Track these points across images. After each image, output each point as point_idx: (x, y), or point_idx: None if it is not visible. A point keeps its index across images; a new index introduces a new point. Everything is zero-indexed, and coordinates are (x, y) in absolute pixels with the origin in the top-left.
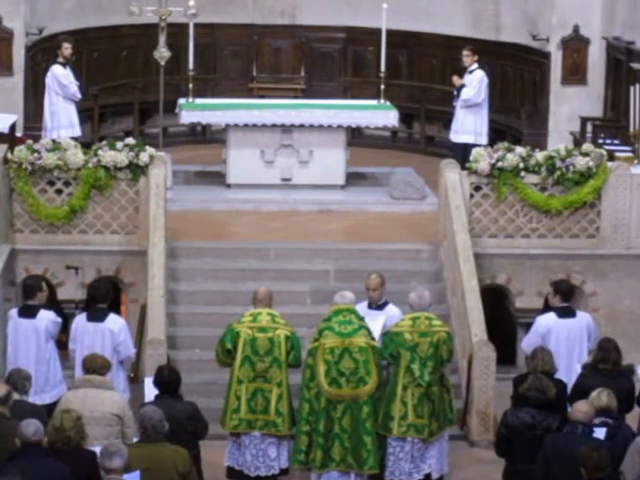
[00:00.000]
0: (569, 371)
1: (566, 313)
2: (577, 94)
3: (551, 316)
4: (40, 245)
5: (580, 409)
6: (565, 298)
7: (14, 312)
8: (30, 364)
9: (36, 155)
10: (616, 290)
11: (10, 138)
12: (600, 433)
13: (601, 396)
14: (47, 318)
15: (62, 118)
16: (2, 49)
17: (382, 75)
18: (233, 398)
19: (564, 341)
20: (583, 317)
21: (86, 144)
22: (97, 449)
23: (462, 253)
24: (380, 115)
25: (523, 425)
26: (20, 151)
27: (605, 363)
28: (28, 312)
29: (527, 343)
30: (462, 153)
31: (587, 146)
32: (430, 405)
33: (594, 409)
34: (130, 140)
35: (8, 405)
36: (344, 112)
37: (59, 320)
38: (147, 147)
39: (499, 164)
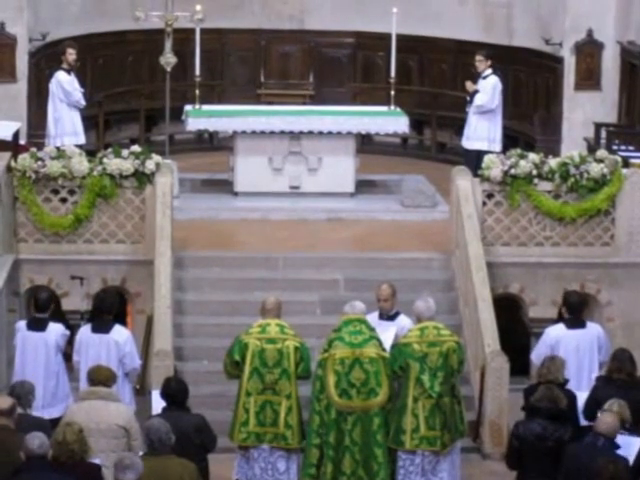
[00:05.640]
0: (579, 383)
1: (575, 324)
2: (591, 99)
3: (560, 327)
4: (44, 255)
5: (605, 420)
6: (572, 311)
7: (22, 324)
8: (38, 378)
9: (40, 163)
10: (632, 299)
11: (13, 146)
12: (630, 442)
13: (613, 408)
14: (57, 331)
15: (66, 125)
16: (5, 55)
17: (392, 81)
18: (241, 411)
19: (573, 352)
20: (593, 328)
21: (91, 152)
22: (98, 461)
23: (474, 262)
24: (390, 121)
25: (534, 436)
26: (24, 159)
27: (619, 373)
28: (38, 325)
29: (536, 354)
30: (474, 160)
31: (601, 152)
32: (442, 416)
33: (618, 422)
34: (136, 148)
35: (13, 418)
36: (353, 118)
37: (68, 333)
38: (153, 155)
39: (512, 171)
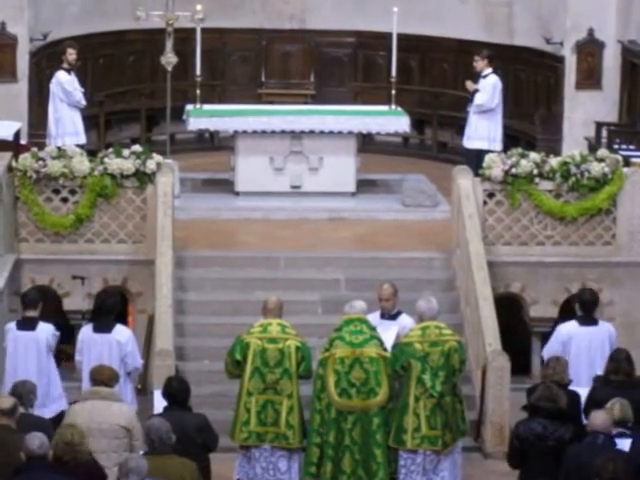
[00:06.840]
0: (590, 380)
1: (588, 321)
2: (592, 99)
3: (572, 324)
4: (45, 255)
5: (597, 417)
6: (585, 308)
7: (12, 325)
8: (30, 377)
9: (41, 163)
10: (633, 298)
11: (14, 146)
12: (623, 444)
13: (614, 408)
14: (47, 331)
15: (67, 125)
16: (6, 55)
17: (393, 80)
18: (243, 410)
19: (585, 350)
20: (605, 326)
21: (92, 151)
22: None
23: (475, 261)
24: (391, 121)
25: (535, 436)
26: (25, 159)
27: (616, 374)
28: (28, 324)
29: (547, 351)
30: (475, 159)
31: (602, 152)
32: (443, 416)
33: (612, 417)
34: (137, 147)
35: (14, 418)
36: (354, 118)
37: (58, 333)
38: (154, 154)
39: (513, 170)
